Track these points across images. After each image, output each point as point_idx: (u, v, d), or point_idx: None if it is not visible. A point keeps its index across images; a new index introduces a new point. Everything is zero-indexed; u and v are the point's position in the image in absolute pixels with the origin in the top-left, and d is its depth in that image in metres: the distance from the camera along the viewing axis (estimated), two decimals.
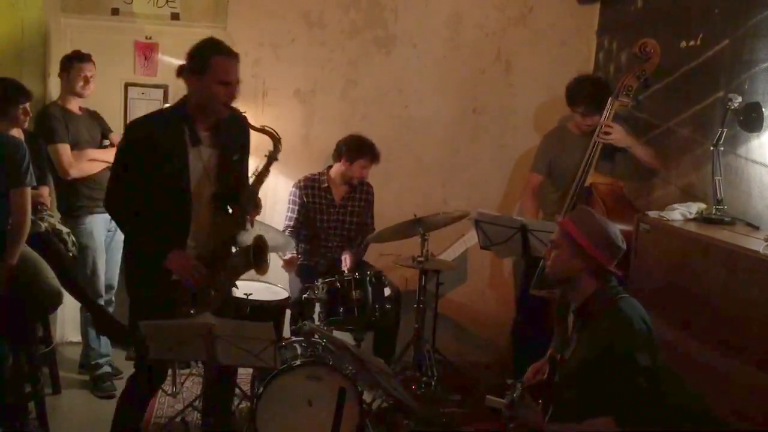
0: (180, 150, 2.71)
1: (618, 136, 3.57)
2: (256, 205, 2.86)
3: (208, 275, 2.74)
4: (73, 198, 3.88)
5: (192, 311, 2.72)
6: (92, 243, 3.88)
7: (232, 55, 2.71)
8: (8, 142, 3.21)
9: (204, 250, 2.80)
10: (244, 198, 2.81)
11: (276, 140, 2.80)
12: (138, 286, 2.86)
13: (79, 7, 4.36)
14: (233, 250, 2.87)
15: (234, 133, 2.86)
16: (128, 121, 2.81)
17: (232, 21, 4.38)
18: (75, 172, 3.82)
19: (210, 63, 2.66)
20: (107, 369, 3.98)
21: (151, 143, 2.68)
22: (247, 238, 2.92)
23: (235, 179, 2.85)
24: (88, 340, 4.00)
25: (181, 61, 2.79)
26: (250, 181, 2.86)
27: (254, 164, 2.91)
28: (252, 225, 2.89)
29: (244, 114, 2.81)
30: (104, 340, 4.00)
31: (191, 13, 4.45)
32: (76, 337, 4.30)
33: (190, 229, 2.77)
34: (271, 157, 2.80)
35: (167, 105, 2.85)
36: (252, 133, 2.88)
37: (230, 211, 2.85)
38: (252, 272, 4.35)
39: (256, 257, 2.82)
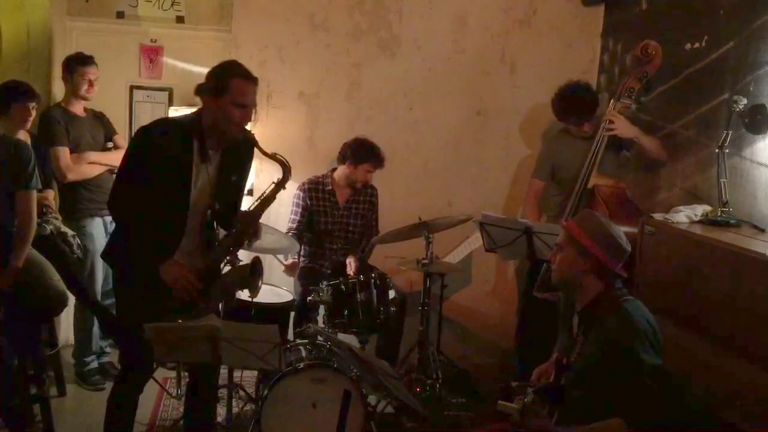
0: (187, 163, 2.72)
1: (622, 126, 3.56)
2: (256, 231, 2.87)
3: (200, 289, 2.72)
4: (73, 200, 3.90)
5: (179, 320, 2.68)
6: (91, 245, 3.88)
7: (251, 79, 2.72)
8: (14, 145, 3.22)
9: (193, 263, 2.78)
10: (243, 221, 2.81)
11: (286, 169, 2.81)
12: (128, 286, 2.84)
13: (85, 10, 4.39)
14: (227, 268, 2.86)
15: (240, 155, 2.88)
16: (142, 125, 2.80)
17: (237, 24, 4.39)
18: (72, 175, 3.84)
19: (228, 84, 2.65)
20: (94, 365, 4.03)
21: (161, 151, 2.68)
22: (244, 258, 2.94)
23: (230, 199, 2.87)
24: (79, 340, 4.03)
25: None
26: (253, 203, 2.87)
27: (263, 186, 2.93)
28: (246, 248, 2.93)
29: (252, 135, 2.78)
30: (95, 339, 4.03)
31: (196, 16, 4.47)
32: None
33: (181, 242, 2.77)
34: (279, 185, 2.81)
35: (182, 113, 2.84)
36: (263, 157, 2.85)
37: (225, 230, 2.86)
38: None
39: (252, 277, 2.83)
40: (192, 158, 2.72)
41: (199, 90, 2.75)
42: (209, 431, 3.16)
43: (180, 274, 2.68)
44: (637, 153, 3.77)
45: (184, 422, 3.17)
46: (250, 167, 3.01)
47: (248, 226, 2.81)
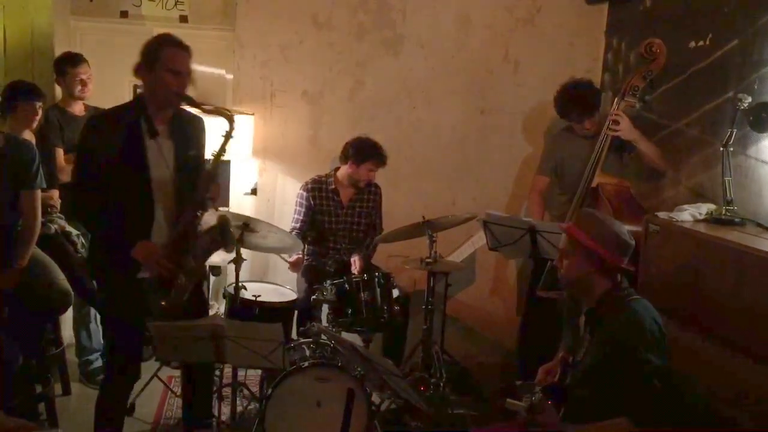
0: (137, 141, 2.76)
1: (626, 128, 3.56)
2: (216, 187, 2.91)
3: (175, 263, 2.76)
4: (66, 201, 3.89)
5: (163, 303, 2.75)
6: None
7: (182, 47, 2.78)
8: (19, 145, 3.23)
9: (169, 238, 2.82)
10: (201, 181, 2.84)
11: (229, 119, 2.83)
12: (105, 285, 2.90)
13: (88, 10, 4.40)
14: (197, 231, 2.89)
15: (191, 130, 2.94)
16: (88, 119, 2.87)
17: (241, 23, 4.39)
18: (63, 177, 3.84)
19: (160, 54, 2.73)
20: (98, 364, 4.04)
21: (109, 135, 2.73)
22: (210, 219, 2.97)
23: (193, 173, 2.89)
24: (80, 339, 4.04)
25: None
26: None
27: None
28: (214, 206, 2.98)
29: (190, 97, 2.82)
30: (95, 337, 4.04)
31: (200, 16, 4.48)
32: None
33: (154, 220, 2.81)
34: (227, 136, 2.83)
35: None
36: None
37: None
38: (259, 274, 4.43)
39: (222, 235, 2.87)
40: (141, 134, 2.77)
41: (136, 70, 2.80)
42: (207, 424, 3.19)
43: (152, 252, 2.73)
44: (638, 157, 3.75)
45: (183, 416, 3.21)
46: (205, 139, 3.03)
47: (206, 186, 2.84)
